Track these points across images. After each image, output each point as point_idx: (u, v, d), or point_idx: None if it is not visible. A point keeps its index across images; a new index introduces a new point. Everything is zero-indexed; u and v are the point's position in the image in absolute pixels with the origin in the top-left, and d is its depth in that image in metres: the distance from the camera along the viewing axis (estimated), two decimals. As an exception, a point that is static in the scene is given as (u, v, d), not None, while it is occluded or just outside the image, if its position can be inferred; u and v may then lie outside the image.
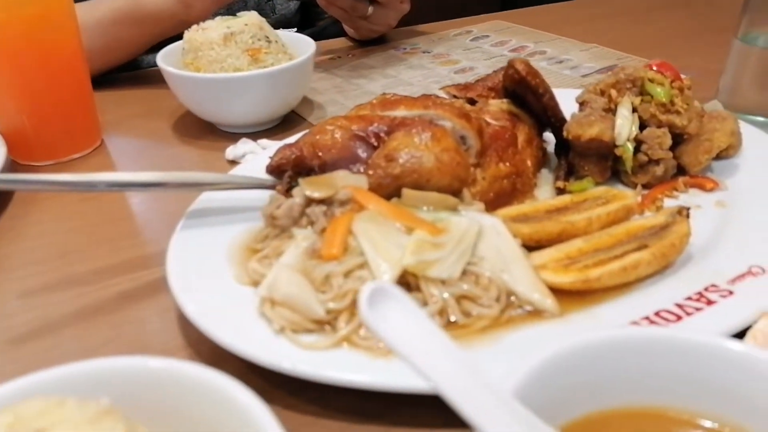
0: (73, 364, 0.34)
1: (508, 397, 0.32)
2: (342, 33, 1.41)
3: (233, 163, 0.86)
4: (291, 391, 0.48)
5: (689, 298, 0.51)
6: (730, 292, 0.51)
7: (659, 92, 0.70)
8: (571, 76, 1.15)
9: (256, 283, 0.53)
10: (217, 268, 0.56)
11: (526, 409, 0.32)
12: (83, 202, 0.77)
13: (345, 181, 0.59)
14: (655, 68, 0.74)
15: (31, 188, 0.60)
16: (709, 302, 0.50)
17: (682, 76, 0.75)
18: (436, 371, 0.30)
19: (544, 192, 0.72)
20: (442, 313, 0.49)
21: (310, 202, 0.56)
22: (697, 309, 0.49)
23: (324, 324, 0.48)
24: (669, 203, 0.68)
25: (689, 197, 0.69)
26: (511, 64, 0.70)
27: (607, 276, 0.53)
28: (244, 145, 0.88)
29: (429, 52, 1.31)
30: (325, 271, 0.50)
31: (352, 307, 0.48)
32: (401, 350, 0.30)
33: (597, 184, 0.72)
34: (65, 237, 0.71)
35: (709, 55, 1.09)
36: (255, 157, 0.82)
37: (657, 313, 0.49)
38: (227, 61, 0.89)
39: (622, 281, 0.54)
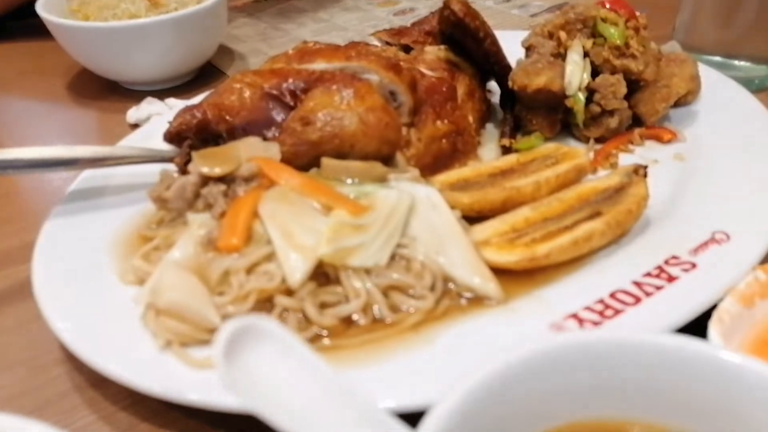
0: None
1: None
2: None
3: (136, 126, 0.75)
4: (188, 413, 0.40)
5: (648, 274, 0.44)
6: (693, 265, 0.45)
7: (613, 33, 0.62)
8: (519, 15, 1.05)
9: (142, 282, 0.44)
10: (97, 265, 0.46)
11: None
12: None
13: (252, 151, 0.50)
14: (608, 6, 0.66)
15: None
16: (671, 278, 0.44)
17: (637, 14, 0.67)
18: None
19: (489, 150, 0.65)
20: (366, 309, 0.41)
21: (206, 180, 0.46)
22: (658, 288, 0.43)
23: (222, 333, 0.40)
24: (624, 159, 0.62)
25: (645, 151, 0.63)
26: (446, 5, 0.60)
27: (557, 252, 0.47)
28: (149, 106, 0.76)
29: (366, -8, 1.19)
30: (223, 266, 0.41)
31: (258, 310, 0.40)
32: (266, 412, 0.22)
33: (546, 139, 0.65)
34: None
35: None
36: (157, 119, 0.70)
37: (613, 295, 0.43)
38: (120, 6, 0.75)
39: (573, 256, 0.47)
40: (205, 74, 0.86)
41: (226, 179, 0.46)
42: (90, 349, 0.39)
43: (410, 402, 0.33)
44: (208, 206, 0.46)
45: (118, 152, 0.53)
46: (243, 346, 0.21)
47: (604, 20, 0.63)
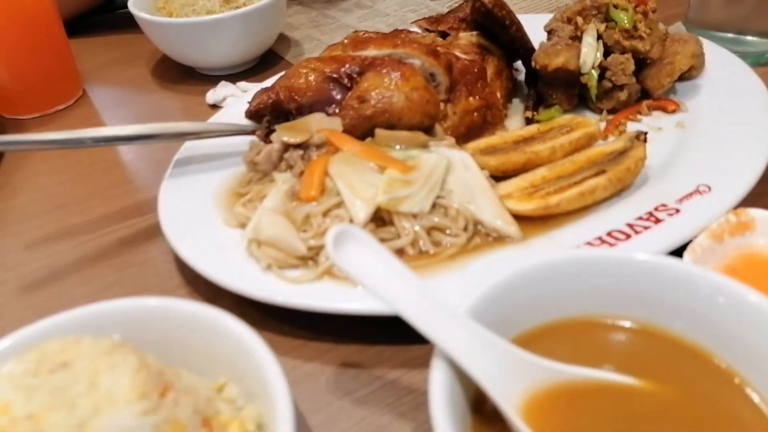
0: (83, 307, 0.39)
1: (461, 315, 0.37)
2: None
3: (214, 107, 0.88)
4: (283, 320, 0.53)
5: (640, 218, 0.55)
6: (677, 210, 0.55)
7: (623, 18, 0.71)
8: (557, 12, 1.14)
9: (243, 225, 0.58)
10: (206, 213, 0.60)
11: (479, 325, 0.38)
12: (73, 155, 0.80)
13: (320, 125, 0.62)
14: (620, -8, 0.75)
15: (20, 149, 0.63)
16: (657, 221, 0.55)
17: None
18: (397, 298, 0.35)
19: (515, 122, 0.76)
20: (414, 244, 0.54)
21: (287, 147, 0.59)
22: (645, 228, 0.54)
23: (307, 260, 0.53)
24: (632, 127, 0.72)
25: (652, 120, 0.72)
26: (477, -4, 0.71)
27: (566, 202, 0.58)
28: (223, 89, 0.89)
29: (405, -21, 1.29)
30: (304, 211, 0.54)
31: (332, 243, 0.53)
32: (365, 282, 0.34)
33: (565, 111, 0.75)
34: (60, 189, 0.75)
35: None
36: (235, 101, 0.84)
37: (609, 233, 0.54)
38: (199, 3, 0.89)
39: (579, 206, 0.59)
40: (267, 59, 0.99)
41: (303, 146, 0.59)
42: (212, 271, 0.52)
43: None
44: (290, 167, 0.59)
45: (214, 128, 0.66)
46: (345, 243, 0.34)
47: (615, 6, 0.73)
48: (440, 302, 0.37)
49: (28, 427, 0.30)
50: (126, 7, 1.14)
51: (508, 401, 0.37)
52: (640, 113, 0.74)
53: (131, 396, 0.31)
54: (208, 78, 0.95)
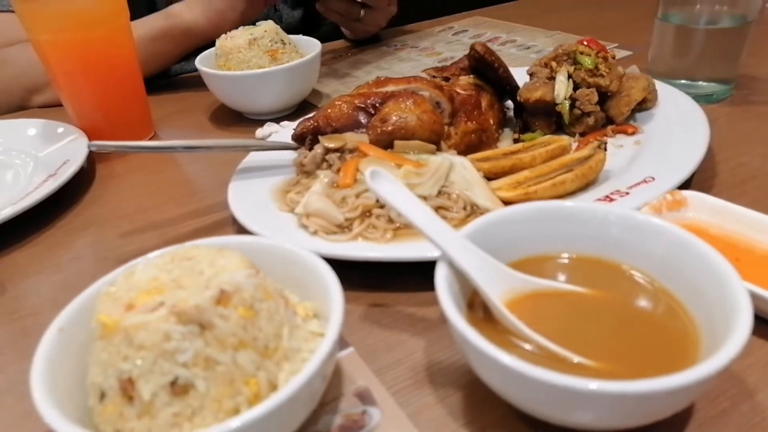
0: (201, 239, 0.56)
1: (461, 236, 0.54)
2: (341, 36, 1.64)
3: (262, 140, 1.08)
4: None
5: (597, 199, 0.72)
6: (627, 193, 0.72)
7: (586, 61, 0.91)
8: (536, 59, 1.36)
9: (292, 210, 0.75)
10: (264, 203, 0.78)
11: (473, 244, 0.54)
12: (150, 175, 1.00)
13: (352, 139, 0.81)
14: (585, 43, 0.96)
15: (133, 151, 0.83)
16: (611, 200, 0.71)
17: (609, 48, 0.96)
18: (416, 217, 0.51)
19: (506, 145, 0.94)
20: (425, 217, 0.70)
21: (327, 151, 0.78)
22: (601, 204, 0.70)
23: (344, 228, 0.70)
24: (599, 145, 0.90)
25: (615, 140, 0.90)
26: (472, 47, 0.92)
27: (542, 190, 0.75)
28: (269, 127, 1.10)
29: (416, 47, 1.53)
30: (342, 194, 0.72)
31: (362, 216, 0.70)
32: (393, 204, 0.51)
33: (545, 134, 0.93)
34: (142, 198, 0.94)
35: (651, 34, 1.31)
36: (278, 134, 1.04)
37: (574, 209, 0.70)
38: (252, 61, 1.11)
39: (554, 195, 0.76)
40: (303, 108, 1.20)
41: (340, 150, 0.78)
42: (272, 237, 0.69)
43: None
44: (329, 166, 0.77)
45: (269, 143, 0.85)
46: (378, 178, 0.51)
47: (581, 53, 0.93)
48: (446, 224, 0.53)
49: (173, 285, 0.46)
50: (179, 74, 1.39)
51: (493, 296, 0.53)
52: (606, 135, 0.92)
53: (240, 267, 0.47)
54: (255, 122, 1.16)
